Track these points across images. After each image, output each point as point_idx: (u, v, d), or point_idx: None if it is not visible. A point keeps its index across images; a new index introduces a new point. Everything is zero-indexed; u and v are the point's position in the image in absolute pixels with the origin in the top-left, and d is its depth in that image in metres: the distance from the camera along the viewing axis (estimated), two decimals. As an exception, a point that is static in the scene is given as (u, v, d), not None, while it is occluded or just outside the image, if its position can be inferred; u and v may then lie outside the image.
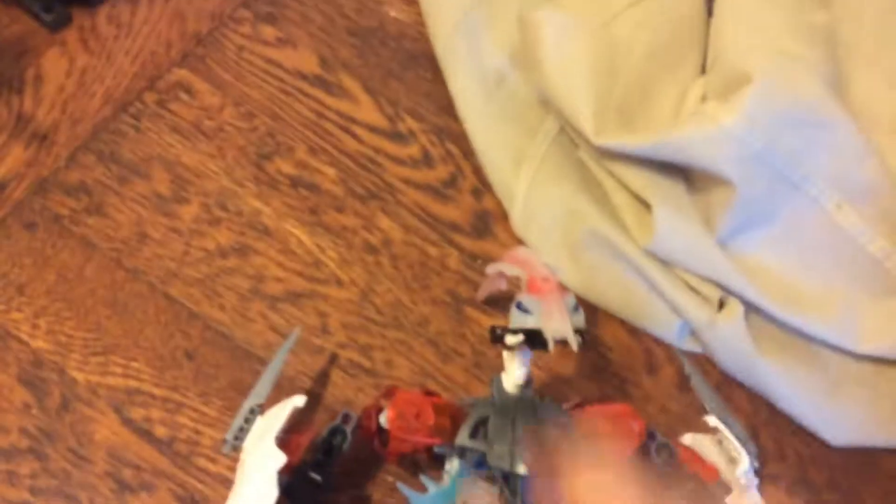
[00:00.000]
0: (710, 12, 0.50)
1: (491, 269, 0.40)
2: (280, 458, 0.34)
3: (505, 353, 0.35)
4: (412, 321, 0.44)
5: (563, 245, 0.46)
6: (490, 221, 0.47)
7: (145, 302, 0.43)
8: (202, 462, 0.40)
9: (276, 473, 0.34)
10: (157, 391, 0.41)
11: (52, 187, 0.45)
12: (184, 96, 0.48)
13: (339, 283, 0.44)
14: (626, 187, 0.45)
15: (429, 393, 0.37)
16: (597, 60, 0.46)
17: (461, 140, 0.49)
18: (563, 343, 0.33)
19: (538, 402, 0.36)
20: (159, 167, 0.46)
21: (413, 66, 0.52)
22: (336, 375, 0.42)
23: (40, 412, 0.40)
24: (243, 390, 0.41)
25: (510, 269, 0.37)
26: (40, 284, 0.43)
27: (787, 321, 0.43)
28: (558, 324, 0.32)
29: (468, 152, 0.49)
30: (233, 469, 0.36)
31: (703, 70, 0.49)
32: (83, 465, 0.39)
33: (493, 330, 0.34)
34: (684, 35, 0.49)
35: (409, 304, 0.44)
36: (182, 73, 0.49)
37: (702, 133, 0.41)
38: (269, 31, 0.51)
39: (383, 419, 0.36)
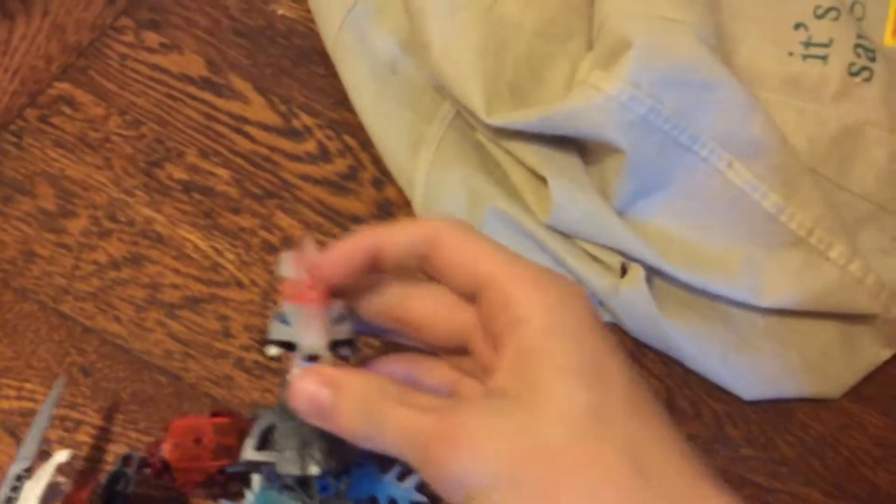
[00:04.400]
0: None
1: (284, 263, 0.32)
2: None
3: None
4: (318, 317, 0.43)
5: (466, 227, 0.46)
6: (393, 210, 0.47)
7: (36, 321, 0.41)
8: (106, 479, 0.38)
9: None
10: (53, 411, 0.39)
11: (-69, 212, 0.44)
12: (66, 109, 0.47)
13: (240, 284, 0.44)
14: (522, 164, 0.45)
15: (215, 414, 0.35)
16: (484, 40, 0.46)
17: (359, 132, 0.49)
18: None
19: None
20: (44, 183, 0.45)
21: (305, 63, 0.51)
22: (241, 378, 0.41)
23: (-71, 444, 0.38)
24: (145, 402, 0.40)
25: (287, 270, 0.31)
26: (-77, 313, 0.41)
27: (689, 282, 0.43)
28: (314, 338, 0.29)
29: (366, 143, 0.48)
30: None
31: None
32: (-21, 495, 0.37)
33: (262, 340, 0.32)
34: (572, 10, 0.49)
35: (314, 300, 0.44)
36: (64, 87, 0.48)
37: (586, 102, 0.41)
38: (152, 38, 0.50)
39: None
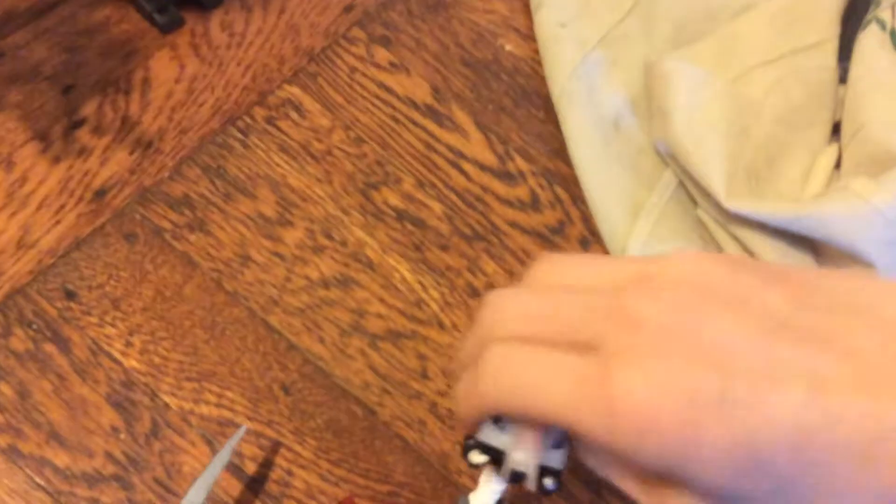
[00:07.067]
0: (841, 79, 0.48)
1: None
2: None
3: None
4: (513, 373, 0.42)
5: (674, 307, 0.44)
6: (597, 274, 0.45)
7: (244, 329, 0.41)
8: (291, 505, 0.38)
9: None
10: (250, 425, 0.39)
11: (154, 198, 0.43)
12: (294, 115, 0.47)
13: (441, 325, 0.42)
14: (750, 254, 0.43)
15: None
16: (729, 119, 0.44)
17: (571, 185, 0.47)
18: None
19: None
20: (265, 187, 0.44)
21: (525, 104, 0.50)
22: (433, 425, 0.40)
23: (129, 437, 0.38)
24: (338, 432, 0.39)
25: None
26: (137, 300, 0.41)
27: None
28: (525, 453, 0.26)
29: (577, 198, 0.47)
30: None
31: (831, 137, 0.47)
32: (169, 499, 0.37)
33: (466, 439, 0.28)
34: (816, 99, 0.47)
35: (512, 354, 0.42)
36: (293, 91, 0.47)
37: (849, 210, 0.38)
38: (382, 55, 0.49)
39: None
